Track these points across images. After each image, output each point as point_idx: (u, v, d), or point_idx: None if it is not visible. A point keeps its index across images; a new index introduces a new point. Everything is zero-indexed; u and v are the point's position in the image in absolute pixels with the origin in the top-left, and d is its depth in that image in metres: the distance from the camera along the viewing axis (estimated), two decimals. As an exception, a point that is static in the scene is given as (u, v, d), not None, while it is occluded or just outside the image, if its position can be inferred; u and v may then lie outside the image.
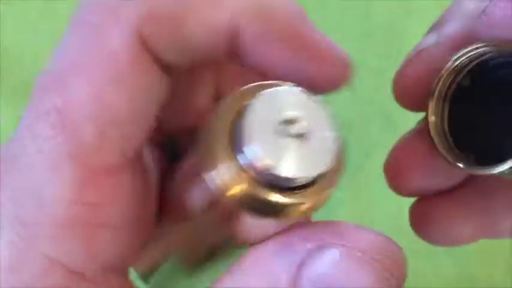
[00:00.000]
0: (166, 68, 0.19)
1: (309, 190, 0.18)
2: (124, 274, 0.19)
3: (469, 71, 0.21)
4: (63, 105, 0.18)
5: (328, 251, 0.17)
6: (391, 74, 0.24)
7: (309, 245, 0.17)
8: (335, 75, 0.20)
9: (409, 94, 0.23)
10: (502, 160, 0.19)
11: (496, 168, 0.19)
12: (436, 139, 0.21)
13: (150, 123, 0.19)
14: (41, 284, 0.17)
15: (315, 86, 0.19)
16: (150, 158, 0.20)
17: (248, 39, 0.19)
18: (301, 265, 0.17)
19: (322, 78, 0.20)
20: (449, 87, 0.21)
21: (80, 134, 0.18)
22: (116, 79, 0.18)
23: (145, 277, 0.21)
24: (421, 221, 0.25)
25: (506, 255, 0.36)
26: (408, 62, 0.22)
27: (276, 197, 0.17)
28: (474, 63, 0.20)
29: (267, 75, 0.19)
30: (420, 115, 0.23)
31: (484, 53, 0.20)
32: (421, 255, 0.35)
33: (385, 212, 0.38)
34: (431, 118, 0.21)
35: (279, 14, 0.19)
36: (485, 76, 0.21)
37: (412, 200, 0.25)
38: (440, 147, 0.21)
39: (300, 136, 0.17)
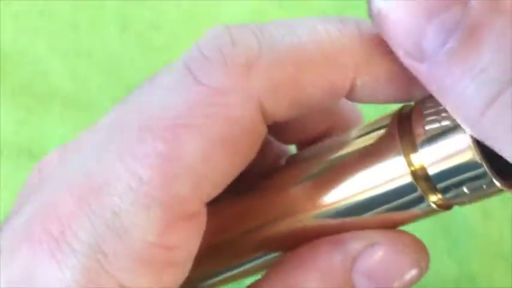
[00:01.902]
0: (271, 123, 0.20)
1: None
2: None
3: None
4: (169, 153, 0.19)
5: (378, 247, 0.21)
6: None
7: (360, 243, 0.21)
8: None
9: None
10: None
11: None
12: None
13: (234, 177, 0.20)
14: None
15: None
16: None
17: (360, 89, 0.20)
18: (354, 260, 0.21)
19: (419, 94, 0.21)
20: None
21: (177, 185, 0.19)
22: (225, 143, 0.19)
23: None
24: None
25: (506, 255, 0.36)
26: None
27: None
28: None
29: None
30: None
31: None
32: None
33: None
34: None
35: (380, 58, 0.20)
36: None
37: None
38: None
39: None
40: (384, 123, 0.21)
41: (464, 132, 0.19)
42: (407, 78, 0.20)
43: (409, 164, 0.20)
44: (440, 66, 0.18)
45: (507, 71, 0.17)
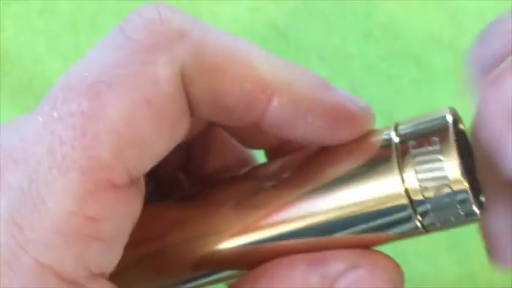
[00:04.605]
0: (193, 113, 0.19)
1: None
2: (111, 278, 0.19)
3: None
4: (90, 112, 0.17)
5: (358, 270, 0.20)
6: (391, 74, 0.24)
7: (342, 264, 0.20)
8: (359, 130, 0.21)
9: None
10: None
11: None
12: None
13: (166, 152, 0.19)
14: None
15: (338, 141, 0.21)
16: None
17: (276, 112, 0.20)
18: (334, 281, 0.20)
19: (346, 136, 0.21)
20: None
21: (98, 147, 0.18)
22: (149, 104, 0.18)
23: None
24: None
25: (507, 255, 0.36)
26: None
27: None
28: None
29: (284, 136, 0.21)
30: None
31: None
32: (421, 256, 0.35)
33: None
34: None
35: (306, 86, 0.20)
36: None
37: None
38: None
39: None
40: (375, 140, 0.21)
41: (452, 160, 0.19)
42: (330, 118, 0.20)
43: (403, 184, 0.20)
44: None
45: None
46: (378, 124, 0.35)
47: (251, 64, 0.19)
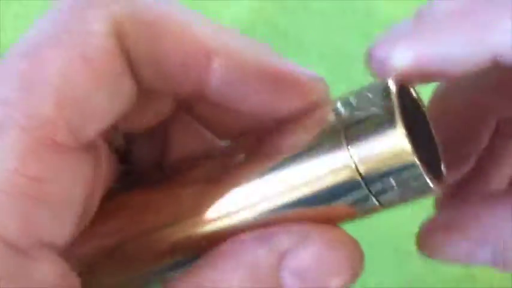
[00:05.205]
0: (135, 75, 0.19)
1: None
2: (64, 253, 0.18)
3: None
4: (30, 71, 0.18)
5: (310, 242, 0.19)
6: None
7: (290, 237, 0.19)
8: (306, 99, 0.20)
9: None
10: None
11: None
12: None
13: (111, 115, 0.19)
14: None
15: (285, 110, 0.20)
16: (104, 152, 0.20)
17: (219, 76, 0.19)
18: (283, 255, 0.19)
19: (293, 105, 0.20)
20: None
21: (38, 104, 0.17)
22: (85, 59, 0.18)
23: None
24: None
25: (506, 255, 0.36)
26: None
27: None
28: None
29: (234, 108, 0.20)
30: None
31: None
32: (421, 255, 0.35)
33: (388, 213, 0.38)
34: None
35: (249, 51, 0.19)
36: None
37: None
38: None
39: None
40: (324, 114, 0.20)
41: (397, 127, 0.18)
42: (275, 83, 0.20)
43: (352, 159, 0.19)
44: None
45: None
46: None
47: (189, 27, 0.19)
